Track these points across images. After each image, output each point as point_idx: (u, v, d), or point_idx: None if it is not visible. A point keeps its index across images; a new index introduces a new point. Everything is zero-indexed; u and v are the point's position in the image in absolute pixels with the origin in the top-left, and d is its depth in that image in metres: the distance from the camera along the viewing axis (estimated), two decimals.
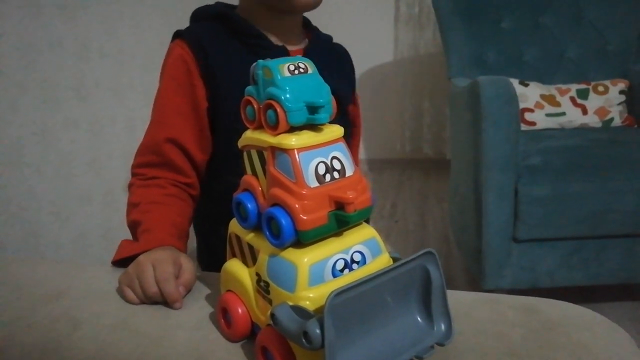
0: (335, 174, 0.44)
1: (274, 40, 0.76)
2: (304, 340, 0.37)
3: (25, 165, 1.18)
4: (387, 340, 0.42)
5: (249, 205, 0.45)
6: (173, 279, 0.54)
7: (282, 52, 0.75)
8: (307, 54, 0.78)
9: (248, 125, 0.47)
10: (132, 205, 0.68)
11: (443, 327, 0.44)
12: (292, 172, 0.42)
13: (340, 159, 0.45)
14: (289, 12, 0.75)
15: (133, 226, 0.66)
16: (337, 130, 0.45)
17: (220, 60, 0.71)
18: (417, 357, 0.42)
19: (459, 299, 0.54)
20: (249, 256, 0.47)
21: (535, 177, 1.34)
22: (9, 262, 0.71)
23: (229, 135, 0.58)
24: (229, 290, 0.49)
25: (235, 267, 0.49)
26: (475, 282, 1.48)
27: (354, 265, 0.44)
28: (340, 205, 0.42)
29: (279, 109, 0.42)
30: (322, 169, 0.43)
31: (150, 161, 0.72)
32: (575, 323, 0.50)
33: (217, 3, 0.80)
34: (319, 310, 0.39)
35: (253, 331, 0.47)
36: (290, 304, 0.40)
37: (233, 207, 0.47)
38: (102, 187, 1.43)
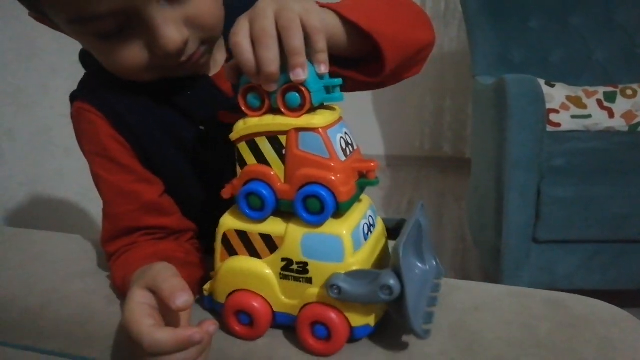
0: (350, 148, 0.47)
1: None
2: (382, 295, 0.40)
3: (54, 145, 1.21)
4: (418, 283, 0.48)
5: (265, 192, 0.44)
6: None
7: (207, 83, 0.59)
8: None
9: (251, 114, 0.45)
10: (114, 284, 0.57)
11: (434, 263, 0.51)
12: (325, 149, 0.43)
13: (349, 134, 0.48)
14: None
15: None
16: (339, 109, 0.48)
17: (136, 113, 0.58)
18: (433, 292, 0.48)
19: (486, 291, 0.55)
20: (263, 247, 0.46)
21: (559, 178, 1.33)
22: (43, 237, 0.73)
23: (168, 180, 0.59)
24: (235, 291, 0.47)
25: (243, 263, 0.47)
26: (492, 282, 1.47)
27: (372, 228, 0.48)
28: (362, 175, 0.46)
29: (304, 91, 0.43)
30: (343, 144, 0.46)
31: (121, 246, 0.58)
32: (602, 319, 0.50)
33: None
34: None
35: (274, 321, 0.47)
36: (342, 272, 0.43)
37: (239, 202, 0.45)
38: None
